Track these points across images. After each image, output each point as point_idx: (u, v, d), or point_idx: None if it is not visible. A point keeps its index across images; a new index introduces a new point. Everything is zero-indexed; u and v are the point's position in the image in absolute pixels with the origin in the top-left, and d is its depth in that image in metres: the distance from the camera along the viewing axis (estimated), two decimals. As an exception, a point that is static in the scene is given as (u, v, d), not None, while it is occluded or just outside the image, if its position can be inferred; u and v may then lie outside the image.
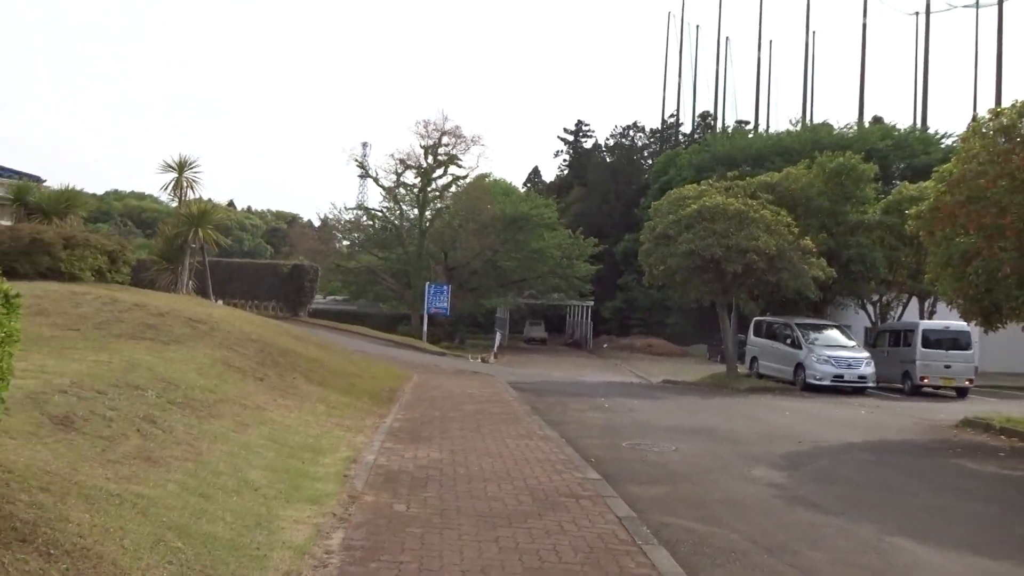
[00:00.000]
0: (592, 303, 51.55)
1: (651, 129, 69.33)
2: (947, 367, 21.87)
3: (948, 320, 22.07)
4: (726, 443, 11.48)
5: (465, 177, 45.97)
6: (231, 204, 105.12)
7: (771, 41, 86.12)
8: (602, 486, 7.75)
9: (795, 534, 6.63)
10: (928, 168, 24.79)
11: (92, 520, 4.44)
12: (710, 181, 26.63)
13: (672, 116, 69.78)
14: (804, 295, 23.64)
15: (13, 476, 4.50)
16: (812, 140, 42.50)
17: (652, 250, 23.80)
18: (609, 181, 61.17)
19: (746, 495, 8.08)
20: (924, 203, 15.54)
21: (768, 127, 61.02)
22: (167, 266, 21.31)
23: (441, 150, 44.61)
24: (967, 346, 22.09)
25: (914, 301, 27.03)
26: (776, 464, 9.98)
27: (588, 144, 70.51)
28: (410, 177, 45.38)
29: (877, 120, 52.59)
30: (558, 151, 72.33)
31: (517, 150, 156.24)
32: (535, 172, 73.90)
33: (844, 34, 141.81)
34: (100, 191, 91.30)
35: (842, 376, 21.70)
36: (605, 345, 50.36)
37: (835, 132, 46.56)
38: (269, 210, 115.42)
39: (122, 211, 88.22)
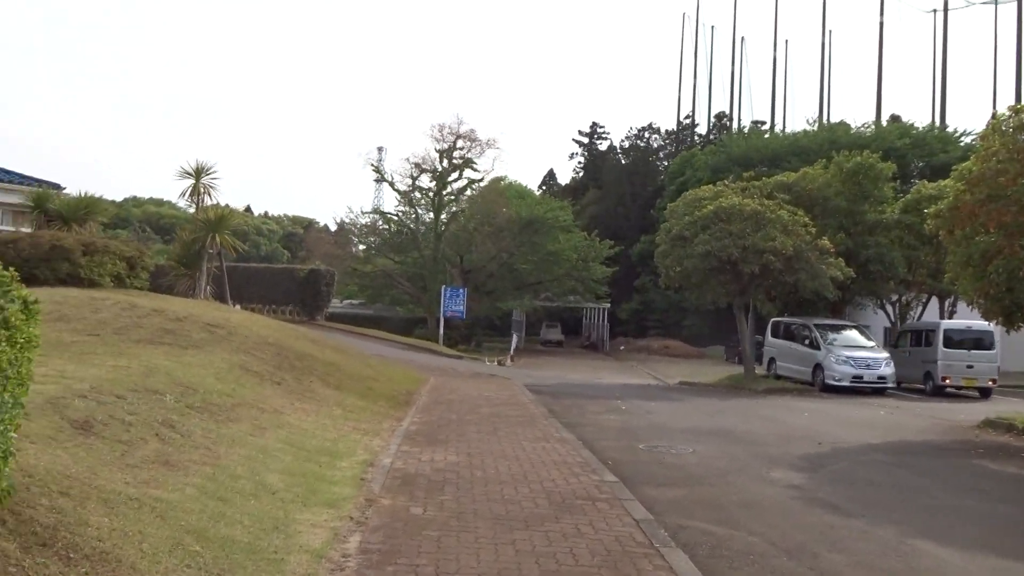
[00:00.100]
0: (608, 305, 51.40)
1: (666, 130, 69.15)
2: (969, 367, 21.62)
3: (969, 320, 21.83)
4: (744, 445, 11.40)
5: (480, 180, 46.08)
6: (248, 209, 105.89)
7: (787, 40, 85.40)
8: (619, 488, 7.72)
9: (814, 536, 6.57)
10: (947, 167, 24.55)
11: (111, 524, 4.47)
12: (726, 182, 26.50)
13: (687, 117, 69.56)
14: (822, 295, 23.46)
15: (34, 480, 4.54)
16: (829, 140, 42.21)
17: (668, 251, 23.72)
18: (625, 183, 61.01)
19: (764, 497, 8.02)
20: (943, 202, 15.39)
21: (784, 127, 60.69)
22: (185, 271, 21.48)
23: (456, 154, 44.71)
24: (990, 346, 21.83)
25: (934, 301, 26.77)
26: (795, 466, 9.90)
27: (603, 146, 70.37)
28: (425, 181, 45.54)
29: (895, 119, 52.11)
30: (573, 153, 72.23)
31: (532, 153, 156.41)
32: (550, 175, 73.84)
33: (861, 32, 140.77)
34: (119, 198, 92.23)
35: (861, 377, 21.51)
36: (622, 347, 50.21)
37: (852, 131, 46.20)
38: (286, 215, 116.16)
39: (141, 217, 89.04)
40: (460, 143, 44.43)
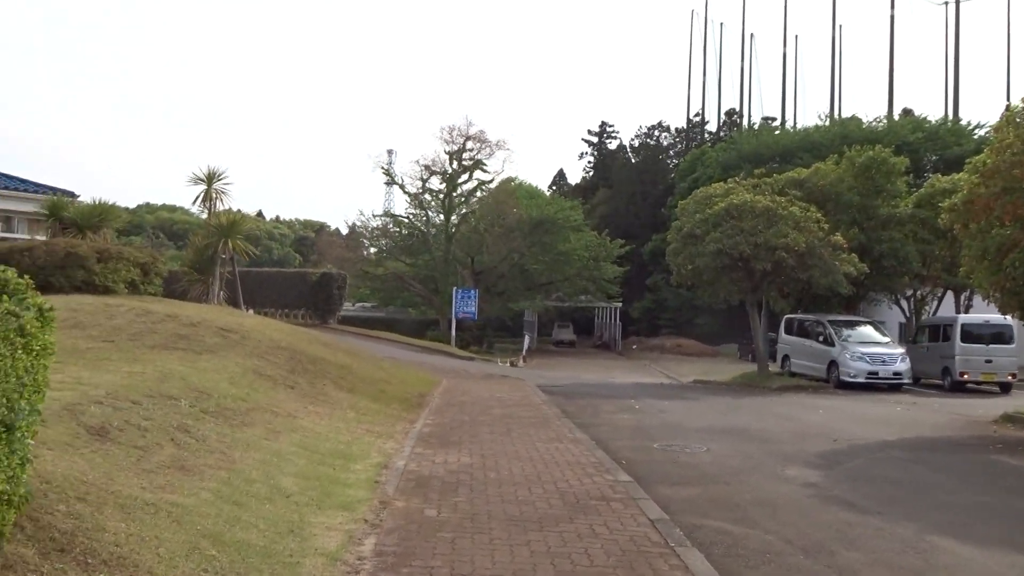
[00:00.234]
0: (620, 304, 51.30)
1: (676, 128, 68.97)
2: (988, 362, 21.40)
3: (987, 314, 21.62)
4: (759, 443, 11.35)
5: (490, 182, 46.13)
6: (260, 214, 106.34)
7: (796, 36, 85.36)
8: (633, 488, 7.70)
9: (831, 534, 6.53)
10: (960, 160, 24.35)
11: (128, 529, 4.50)
12: (737, 179, 26.41)
13: (697, 115, 69.39)
14: (836, 291, 23.33)
15: (51, 487, 4.57)
16: (841, 135, 41.96)
17: (680, 249, 23.66)
18: (635, 181, 60.87)
19: (780, 495, 7.98)
20: (957, 195, 15.28)
21: (795, 123, 60.41)
22: (198, 277, 21.60)
23: (466, 155, 44.78)
24: (1009, 340, 21.58)
25: (949, 296, 26.56)
26: (810, 463, 9.84)
27: (613, 145, 70.26)
28: (435, 183, 45.64)
29: (907, 112, 51.72)
30: (583, 153, 72.13)
31: (542, 153, 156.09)
32: (560, 175, 73.78)
33: (872, 26, 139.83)
34: (132, 204, 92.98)
35: (877, 373, 21.38)
36: (634, 346, 50.10)
37: (864, 126, 45.91)
38: (297, 219, 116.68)
39: (154, 223, 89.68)
40: (470, 144, 44.54)
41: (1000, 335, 21.54)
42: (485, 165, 45.37)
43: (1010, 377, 21.50)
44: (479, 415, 12.98)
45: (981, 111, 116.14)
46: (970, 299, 25.37)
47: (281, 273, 43.13)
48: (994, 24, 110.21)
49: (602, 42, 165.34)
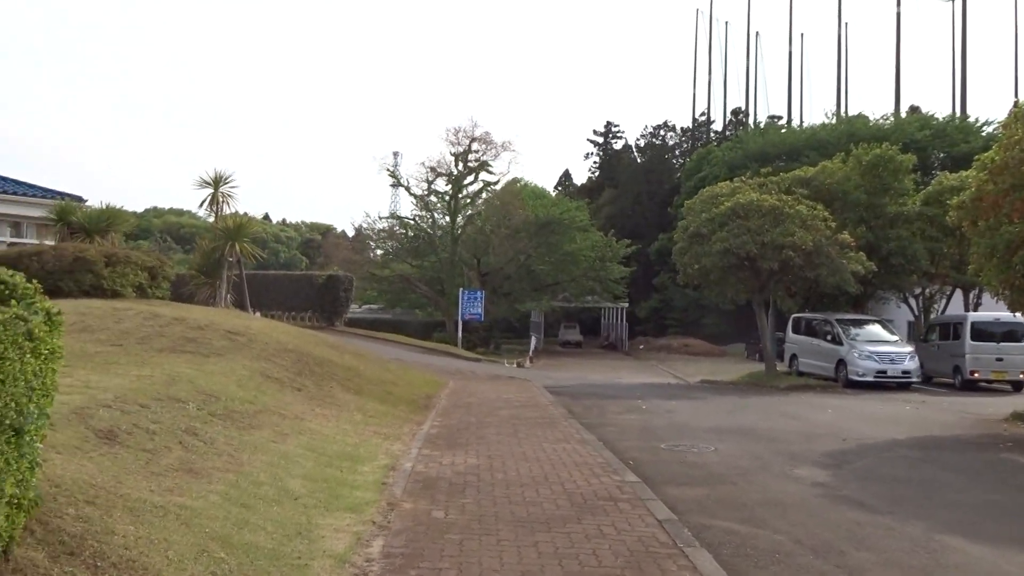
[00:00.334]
0: (627, 304, 51.24)
1: (682, 128, 68.90)
2: (999, 360, 21.23)
3: (997, 312, 21.50)
4: (767, 442, 11.32)
5: (496, 183, 46.07)
6: (266, 217, 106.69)
7: (802, 34, 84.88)
8: (641, 489, 7.69)
9: (841, 534, 6.50)
10: (968, 157, 24.25)
11: (137, 532, 4.51)
12: (743, 178, 26.35)
13: (703, 114, 69.22)
14: (843, 290, 23.25)
15: (60, 490, 4.59)
16: (848, 133, 41.85)
17: (686, 249, 23.62)
18: (641, 181, 60.80)
19: (789, 495, 7.96)
20: (966, 192, 15.22)
21: (802, 121, 60.22)
22: (205, 280, 21.66)
23: (471, 157, 44.76)
24: (1020, 338, 21.40)
25: (958, 294, 26.44)
26: (819, 463, 9.81)
27: (618, 145, 70.20)
28: (441, 185, 45.62)
29: (914, 109, 51.55)
30: (588, 153, 72.09)
31: (547, 154, 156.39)
32: (566, 175, 73.77)
33: (878, 23, 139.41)
34: (140, 209, 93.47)
35: (885, 372, 21.30)
36: (641, 346, 50.02)
37: (871, 123, 45.76)
38: (303, 222, 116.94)
39: (161, 227, 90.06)
40: (475, 146, 44.50)
41: (1011, 333, 21.36)
42: (491, 166, 45.37)
43: (1022, 375, 21.31)
44: (486, 416, 12.97)
45: (989, 108, 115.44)
46: (979, 297, 25.25)
47: (288, 276, 43.23)
48: (1002, 19, 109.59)
49: (607, 42, 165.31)
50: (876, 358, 21.45)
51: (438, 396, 15.90)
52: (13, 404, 3.56)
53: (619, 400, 17.45)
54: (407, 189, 47.05)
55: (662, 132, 67.23)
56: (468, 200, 45.69)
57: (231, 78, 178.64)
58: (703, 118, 68.91)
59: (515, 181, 48.17)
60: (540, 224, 42.95)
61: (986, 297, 22.89)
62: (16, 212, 20.24)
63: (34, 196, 20.35)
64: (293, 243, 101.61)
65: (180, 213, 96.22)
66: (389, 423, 11.41)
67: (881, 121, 46.74)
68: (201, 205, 23.00)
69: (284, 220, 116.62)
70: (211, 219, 23.69)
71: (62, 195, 20.56)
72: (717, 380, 25.65)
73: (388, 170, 50.10)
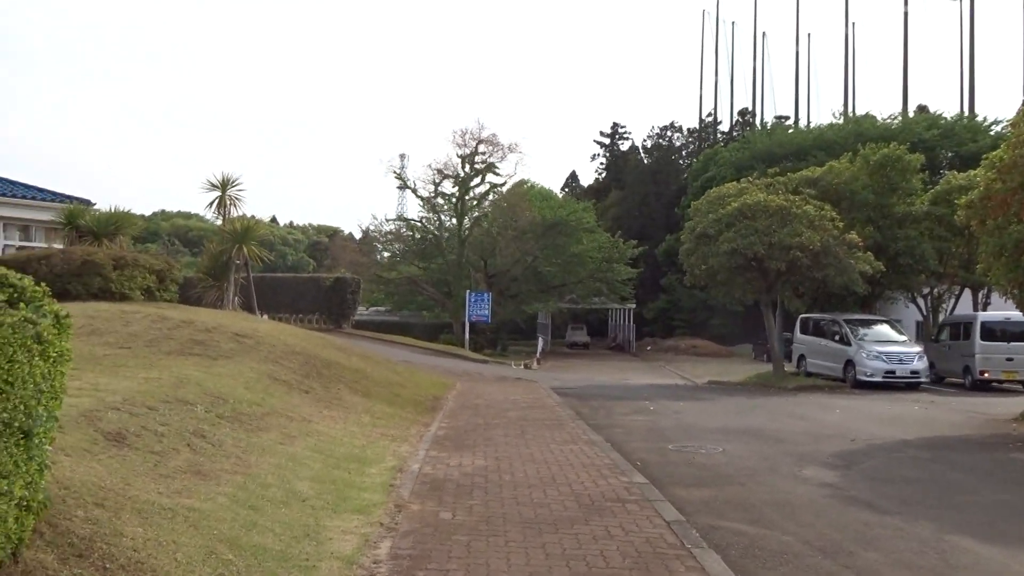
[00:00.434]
0: (634, 305, 51.17)
1: (689, 129, 68.74)
2: (1009, 360, 21.07)
3: (1006, 311, 21.35)
4: (775, 443, 11.29)
5: (503, 185, 46.09)
6: (273, 220, 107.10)
7: (809, 34, 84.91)
8: (649, 490, 7.67)
9: (849, 535, 6.48)
10: (977, 157, 24.11)
11: (146, 534, 4.53)
12: (750, 178, 26.28)
13: (710, 114, 69.12)
14: (851, 290, 23.18)
15: (69, 492, 4.61)
16: (855, 132, 41.68)
17: (693, 250, 23.58)
18: (648, 182, 60.72)
19: (797, 496, 7.93)
20: (974, 192, 15.15)
21: (809, 121, 60.02)
22: (213, 283, 21.72)
23: (478, 159, 44.78)
24: None
25: (967, 293, 26.31)
26: (827, 463, 9.78)
27: (625, 146, 70.12)
28: (448, 187, 45.66)
29: (922, 109, 51.30)
30: (595, 154, 72.03)
31: (554, 155, 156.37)
32: (572, 176, 73.74)
33: (885, 23, 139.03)
34: (148, 212, 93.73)
35: (894, 372, 21.21)
36: (649, 347, 49.93)
37: (879, 123, 45.58)
38: (311, 224, 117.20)
39: (169, 230, 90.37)
40: (482, 148, 44.52)
41: (1022, 333, 21.22)
42: (497, 168, 45.38)
43: None
44: (493, 418, 12.97)
45: (997, 107, 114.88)
46: (988, 297, 25.12)
47: (295, 278, 43.34)
48: (1010, 18, 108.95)
49: (613, 43, 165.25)
50: (884, 358, 21.36)
51: (445, 398, 15.90)
52: (22, 407, 3.57)
53: (626, 401, 17.43)
54: (414, 191, 47.15)
55: (669, 133, 67.14)
56: (475, 202, 45.71)
57: (239, 81, 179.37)
58: (710, 119, 68.86)
59: (522, 183, 48.23)
60: (547, 225, 42.95)
61: (995, 297, 22.76)
62: (25, 216, 20.35)
63: (42, 200, 20.46)
64: (300, 246, 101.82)
65: (188, 216, 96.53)
66: (396, 425, 11.42)
67: (889, 121, 46.56)
68: (208, 208, 23.09)
69: (291, 223, 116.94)
70: (218, 222, 23.76)
71: (70, 199, 20.66)
72: (725, 381, 25.59)
73: (395, 172, 50.25)
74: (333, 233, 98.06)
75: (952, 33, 64.21)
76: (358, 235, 57.03)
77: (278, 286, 37.07)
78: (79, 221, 18.55)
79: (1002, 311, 22.25)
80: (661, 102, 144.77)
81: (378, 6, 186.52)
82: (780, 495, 7.94)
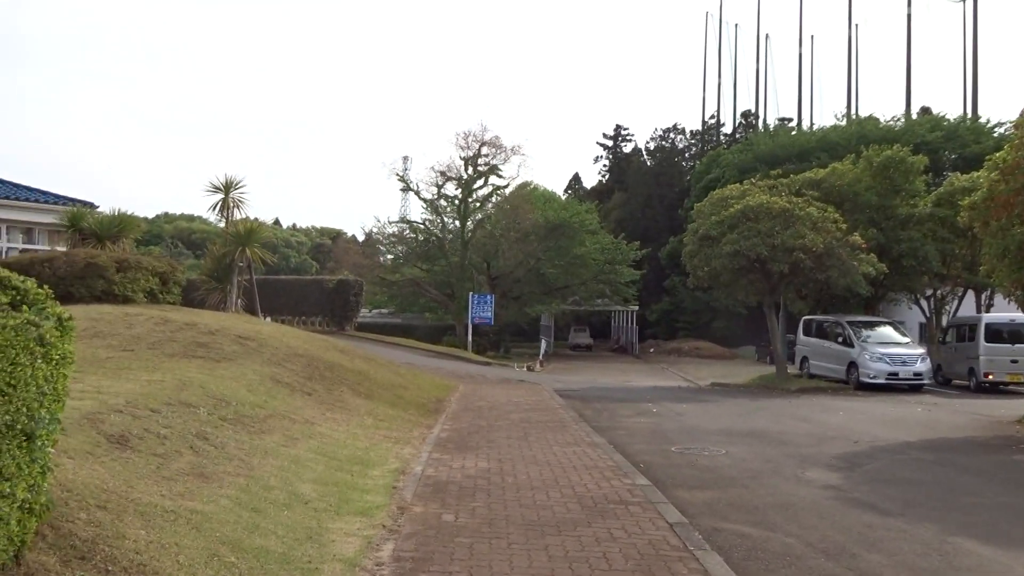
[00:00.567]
0: (637, 307, 51.14)
1: (692, 131, 68.67)
2: (1014, 362, 21.02)
3: (1009, 312, 21.31)
4: (778, 445, 11.27)
5: (506, 187, 46.08)
6: (276, 222, 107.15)
7: (812, 36, 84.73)
8: (652, 492, 7.67)
9: (852, 537, 6.47)
10: (980, 158, 24.09)
11: (148, 536, 4.54)
12: (753, 180, 26.27)
13: (713, 117, 69.03)
14: (854, 292, 23.16)
15: (72, 495, 4.62)
16: (858, 134, 41.63)
17: (696, 251, 23.58)
18: (651, 184, 60.69)
19: (800, 498, 7.92)
20: (977, 193, 15.13)
21: (812, 123, 60.00)
22: (216, 285, 21.74)
23: (481, 161, 44.77)
24: None
25: (970, 295, 26.27)
26: (830, 465, 9.76)
27: (628, 148, 70.06)
28: (451, 189, 45.65)
29: (925, 111, 51.18)
30: (597, 157, 72.03)
31: (557, 157, 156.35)
32: (576, 178, 73.65)
33: (888, 24, 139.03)
34: (151, 214, 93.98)
35: (897, 374, 21.18)
36: (651, 349, 49.88)
37: (882, 125, 45.51)
38: (314, 227, 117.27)
39: (172, 233, 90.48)
40: (485, 150, 44.51)
41: None
42: (500, 170, 45.36)
43: None
44: (496, 420, 12.97)
45: (1001, 109, 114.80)
46: (991, 298, 25.09)
47: (298, 280, 43.41)
48: (1013, 20, 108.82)
49: (617, 45, 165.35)
50: (887, 360, 21.34)
51: (448, 400, 15.91)
52: (25, 409, 3.58)
53: (629, 403, 17.42)
54: (417, 193, 47.16)
55: (672, 135, 67.06)
56: (478, 204, 45.70)
57: (241, 82, 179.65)
58: (713, 121, 68.79)
59: (525, 185, 48.17)
60: (550, 227, 42.95)
61: (998, 298, 22.73)
62: (28, 218, 20.40)
63: (45, 202, 20.50)
64: (303, 248, 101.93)
65: (191, 219, 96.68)
66: (399, 427, 11.43)
67: (892, 123, 46.48)
68: (212, 210, 23.10)
69: (294, 225, 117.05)
70: (222, 224, 23.80)
71: (73, 201, 20.69)
72: (728, 383, 25.56)
73: (398, 174, 50.26)
74: (336, 235, 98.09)
75: (955, 35, 64.38)
76: (361, 237, 57.11)
77: (281, 288, 37.13)
78: (82, 224, 18.58)
79: (1006, 313, 22.22)
80: (664, 104, 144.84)
81: (381, 7, 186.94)
82: (783, 497, 7.93)
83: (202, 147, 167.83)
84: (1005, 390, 21.40)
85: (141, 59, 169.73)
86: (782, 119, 63.07)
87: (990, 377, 21.20)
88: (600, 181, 70.21)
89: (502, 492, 7.52)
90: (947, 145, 41.81)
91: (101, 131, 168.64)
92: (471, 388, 19.22)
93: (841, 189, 25.06)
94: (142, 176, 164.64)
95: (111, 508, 4.68)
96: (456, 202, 45.45)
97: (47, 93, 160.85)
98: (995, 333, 21.41)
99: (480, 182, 45.39)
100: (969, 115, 48.53)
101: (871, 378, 21.25)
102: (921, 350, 22.47)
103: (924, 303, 27.21)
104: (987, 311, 24.83)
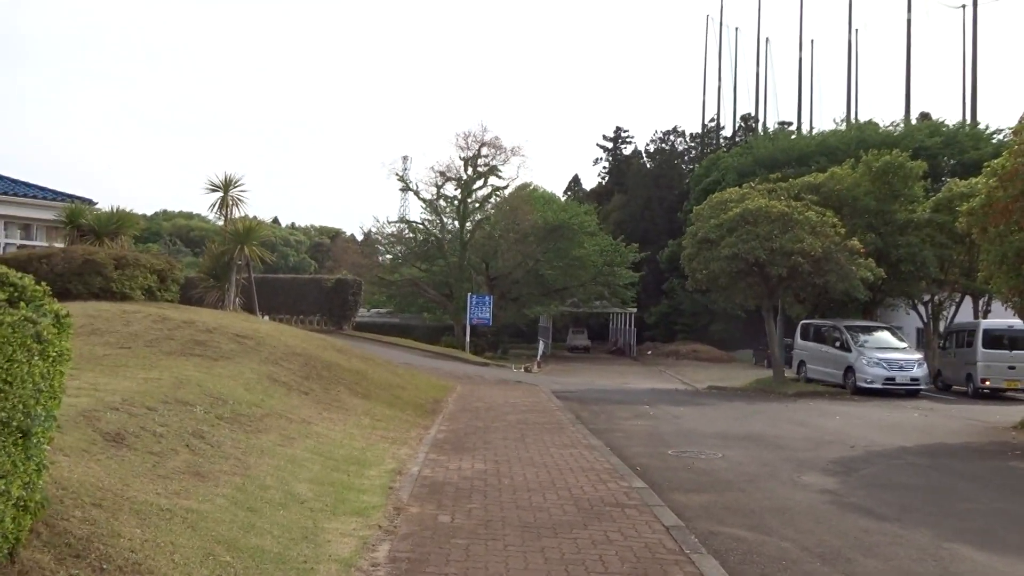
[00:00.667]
0: (635, 310, 51.18)
1: (692, 133, 68.72)
2: (1011, 368, 21.05)
3: (1007, 319, 21.32)
4: (774, 449, 11.28)
5: (505, 188, 46.09)
6: (275, 221, 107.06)
7: (812, 40, 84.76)
8: (648, 495, 7.67)
9: (848, 541, 6.47)
10: (978, 164, 24.11)
11: (143, 535, 4.53)
12: (752, 184, 26.30)
13: (712, 120, 69.09)
14: (852, 296, 23.19)
15: (67, 492, 4.60)
16: (857, 139, 41.68)
17: (695, 255, 23.61)
18: (650, 187, 60.74)
19: (796, 502, 7.92)
20: (976, 199, 15.15)
21: (811, 127, 59.98)
22: (214, 283, 21.72)
23: (481, 161, 44.77)
24: None
25: (968, 300, 26.30)
26: (827, 470, 9.77)
27: (627, 151, 70.15)
28: (450, 189, 45.65)
29: (925, 116, 51.26)
30: (597, 158, 72.08)
31: (557, 159, 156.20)
32: (575, 180, 73.73)
33: (888, 30, 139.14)
34: (149, 212, 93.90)
35: (894, 379, 21.21)
36: (649, 352, 49.89)
37: (881, 130, 45.57)
38: (313, 226, 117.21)
39: (171, 230, 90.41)
40: (484, 151, 44.51)
41: None
42: (500, 171, 45.35)
43: None
44: (493, 421, 12.97)
45: (999, 115, 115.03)
46: (988, 304, 25.12)
47: (296, 279, 43.36)
48: (1013, 27, 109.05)
49: (617, 47, 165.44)
50: (885, 365, 21.36)
51: (445, 400, 15.90)
52: (21, 406, 3.57)
53: (627, 406, 17.42)
54: (416, 193, 47.14)
55: (671, 138, 67.12)
56: (477, 205, 45.70)
57: (240, 81, 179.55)
58: (713, 124, 68.85)
59: (524, 186, 48.16)
60: (549, 229, 42.96)
61: (996, 304, 22.75)
62: (26, 214, 20.38)
63: (44, 199, 20.49)
64: (302, 247, 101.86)
65: (189, 216, 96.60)
66: (396, 427, 11.42)
67: (891, 128, 46.54)
68: (211, 208, 23.10)
69: (293, 224, 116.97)
70: (220, 222, 23.78)
71: (72, 198, 20.68)
72: (725, 386, 25.57)
73: (397, 174, 50.23)
74: (335, 235, 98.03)
75: (955, 41, 64.43)
76: (360, 237, 57.09)
77: (279, 287, 37.09)
78: (80, 220, 18.56)
79: (1003, 319, 22.25)
80: (664, 107, 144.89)
81: (381, 8, 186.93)
82: (779, 501, 7.93)
83: (202, 146, 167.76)
84: (1003, 396, 21.42)
85: (141, 59, 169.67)
86: (782, 123, 63.20)
87: (987, 383, 21.22)
88: (600, 183, 70.27)
89: (499, 494, 7.51)
90: (946, 151, 41.87)
91: (101, 130, 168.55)
92: (469, 389, 19.22)
93: (840, 194, 25.09)
94: (142, 175, 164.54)
95: (106, 506, 4.67)
96: (455, 202, 45.46)
97: (47, 93, 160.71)
98: (993, 339, 21.43)
99: (479, 183, 45.40)
100: (968, 121, 48.61)
101: (868, 383, 21.27)
102: (918, 355, 22.50)
103: (922, 308, 27.24)
104: (984, 317, 24.85)
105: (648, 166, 65.64)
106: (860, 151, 28.65)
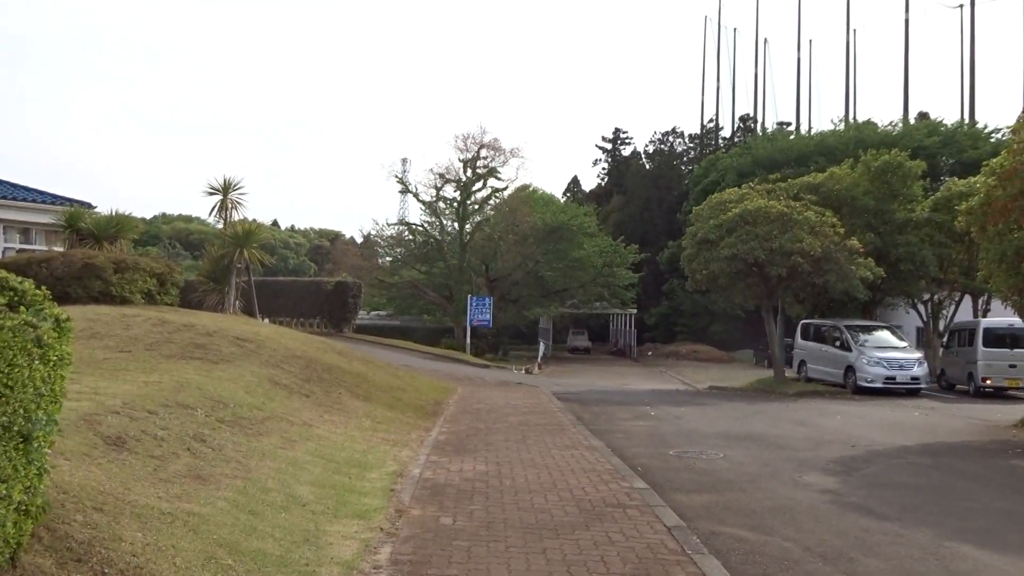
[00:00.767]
0: (635, 311, 51.19)
1: (690, 134, 68.76)
2: (1012, 367, 21.05)
3: (1007, 317, 21.33)
4: (775, 449, 11.28)
5: (504, 189, 46.10)
6: (275, 224, 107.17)
7: (811, 40, 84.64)
8: (649, 495, 7.66)
9: (850, 541, 6.47)
10: (977, 164, 24.13)
11: (145, 539, 4.52)
12: (751, 184, 26.32)
13: (711, 120, 69.12)
14: (852, 296, 23.20)
15: (68, 496, 4.60)
16: (856, 139, 41.71)
17: (694, 255, 23.62)
18: (650, 188, 60.77)
19: (797, 502, 7.92)
20: (974, 198, 15.16)
21: (810, 128, 59.99)
22: (214, 286, 21.71)
23: (480, 163, 44.78)
24: None
25: (967, 299, 26.31)
26: (828, 469, 9.77)
27: (627, 152, 70.18)
28: (450, 191, 45.66)
29: (923, 116, 51.29)
30: (596, 160, 72.07)
31: (556, 160, 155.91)
32: (574, 181, 73.73)
33: (886, 30, 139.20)
34: (149, 215, 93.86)
35: (894, 378, 21.21)
36: (650, 353, 49.89)
37: (880, 130, 45.61)
38: (312, 228, 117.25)
39: (170, 234, 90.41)
40: (484, 152, 44.53)
41: None
42: (499, 173, 45.36)
43: None
44: (494, 423, 12.96)
45: (998, 114, 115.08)
46: (988, 303, 25.13)
47: (296, 282, 43.34)
48: (1011, 26, 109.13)
49: (616, 49, 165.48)
50: (885, 364, 21.36)
51: (446, 402, 15.89)
52: (22, 410, 3.57)
53: (627, 406, 17.42)
54: (416, 195, 47.13)
55: (670, 138, 67.14)
56: (477, 206, 45.71)
57: (240, 83, 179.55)
58: (711, 124, 68.88)
59: (524, 187, 48.16)
60: (548, 230, 42.97)
61: (996, 303, 22.76)
62: (25, 218, 20.36)
63: (43, 202, 20.47)
64: (302, 249, 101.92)
65: (189, 219, 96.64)
66: (397, 429, 11.41)
67: (890, 127, 46.57)
68: (210, 212, 23.09)
69: (293, 226, 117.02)
70: (220, 225, 23.76)
71: (71, 201, 20.66)
72: (726, 386, 25.57)
73: (397, 177, 50.18)
74: (334, 237, 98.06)
75: (953, 40, 64.43)
76: (360, 239, 57.11)
77: (279, 290, 37.08)
78: (79, 224, 18.54)
79: (1003, 317, 22.25)
80: (663, 108, 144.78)
81: (380, 9, 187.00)
82: (781, 501, 7.93)
83: (202, 147, 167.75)
84: (1004, 395, 21.42)
85: (141, 59, 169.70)
86: (780, 123, 63.26)
87: (988, 382, 21.22)
88: (599, 184, 70.29)
89: (500, 495, 7.51)
90: (944, 150, 41.90)
91: (101, 131, 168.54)
92: (469, 390, 19.21)
93: (839, 193, 25.11)
94: (141, 176, 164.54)
95: (107, 510, 4.67)
96: (455, 204, 45.46)
97: (47, 93, 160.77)
98: (994, 338, 21.44)
99: (479, 184, 45.42)
100: (966, 120, 48.63)
101: (868, 382, 21.28)
102: (918, 354, 22.50)
103: (921, 307, 27.26)
104: (984, 316, 24.87)
105: (647, 167, 65.67)
106: (859, 151, 28.67)
